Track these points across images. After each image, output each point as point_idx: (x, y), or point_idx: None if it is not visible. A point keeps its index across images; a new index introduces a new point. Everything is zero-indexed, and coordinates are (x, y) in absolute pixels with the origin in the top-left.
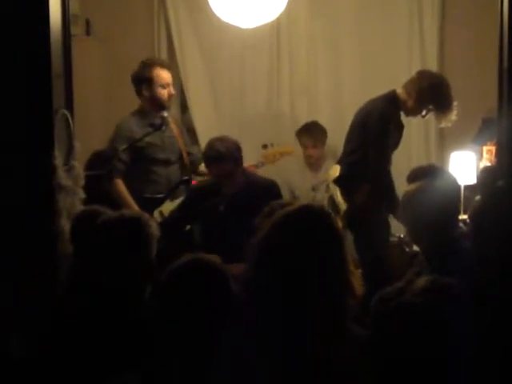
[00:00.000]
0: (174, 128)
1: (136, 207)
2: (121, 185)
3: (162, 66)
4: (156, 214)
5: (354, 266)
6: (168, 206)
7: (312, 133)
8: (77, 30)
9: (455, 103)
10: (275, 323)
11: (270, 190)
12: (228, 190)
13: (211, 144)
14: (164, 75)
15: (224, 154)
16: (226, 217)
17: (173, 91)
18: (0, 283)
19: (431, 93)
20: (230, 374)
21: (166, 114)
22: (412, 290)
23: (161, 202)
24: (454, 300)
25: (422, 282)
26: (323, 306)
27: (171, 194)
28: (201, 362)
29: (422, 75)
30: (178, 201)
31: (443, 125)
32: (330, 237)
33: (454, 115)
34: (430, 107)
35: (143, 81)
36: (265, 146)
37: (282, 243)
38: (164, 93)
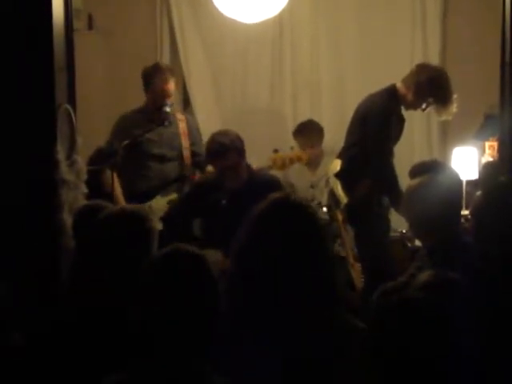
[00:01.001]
0: (181, 126)
1: (122, 200)
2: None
3: (164, 79)
4: (146, 207)
5: (354, 259)
6: (158, 201)
7: (309, 134)
8: (79, 24)
9: (455, 96)
10: (262, 317)
11: (273, 185)
12: (231, 185)
13: (213, 138)
14: (163, 87)
15: (227, 146)
16: (229, 211)
17: (171, 99)
18: (2, 277)
19: (430, 86)
20: (219, 363)
21: (168, 109)
22: (414, 284)
23: (151, 196)
24: (457, 295)
25: (424, 276)
26: (310, 297)
27: (164, 190)
28: (186, 350)
29: (421, 68)
30: (169, 197)
31: (444, 118)
32: (309, 227)
33: (454, 108)
34: (430, 100)
35: (145, 83)
36: (276, 151)
37: (259, 236)
38: (161, 101)
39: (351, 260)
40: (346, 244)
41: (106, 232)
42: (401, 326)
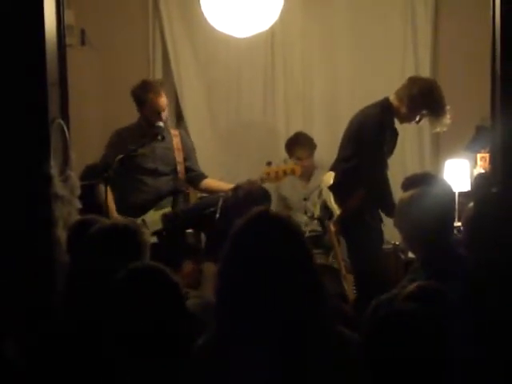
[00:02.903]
0: (174, 141)
1: (114, 212)
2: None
3: (157, 92)
4: (138, 221)
5: (346, 271)
6: (151, 215)
7: (300, 146)
8: (72, 39)
9: (448, 107)
10: (250, 336)
11: (262, 196)
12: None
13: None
14: (158, 102)
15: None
16: (222, 224)
17: (166, 114)
18: None
19: (423, 98)
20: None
21: (161, 124)
22: (400, 296)
23: (145, 210)
24: (444, 305)
25: (410, 288)
26: (299, 311)
27: (157, 204)
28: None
29: (413, 81)
30: (162, 211)
31: (438, 129)
32: (290, 240)
33: (447, 119)
34: (424, 113)
35: (138, 102)
36: (269, 163)
37: (239, 252)
38: (155, 117)
39: (343, 271)
40: (338, 255)
41: (98, 246)
42: (390, 340)
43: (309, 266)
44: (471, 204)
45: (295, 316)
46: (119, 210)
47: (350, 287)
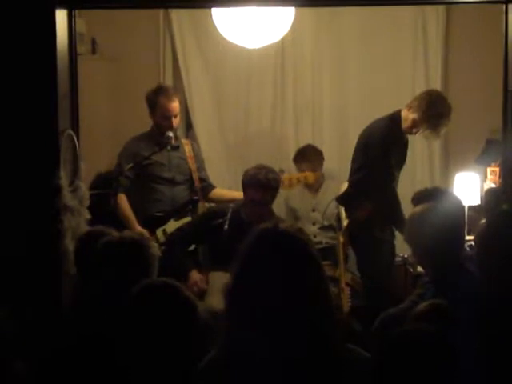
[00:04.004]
0: (187, 150)
1: (136, 224)
2: (123, 200)
3: (168, 97)
4: (159, 232)
5: (344, 284)
6: (172, 225)
7: (309, 158)
8: (83, 48)
9: (447, 120)
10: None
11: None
12: (253, 218)
13: (258, 169)
14: (168, 107)
15: (271, 184)
16: (231, 237)
17: (176, 122)
18: (4, 303)
19: (425, 117)
20: None
21: (171, 134)
22: (411, 315)
23: (165, 220)
24: (454, 326)
25: (422, 306)
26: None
27: (176, 214)
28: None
29: (419, 98)
30: (182, 221)
31: (431, 140)
32: (300, 255)
33: (442, 131)
34: (423, 127)
35: (150, 106)
36: (282, 171)
37: (249, 269)
38: (166, 123)
39: (342, 284)
40: (341, 266)
41: (105, 259)
42: (404, 361)
43: (320, 281)
44: (483, 221)
45: (305, 332)
46: (138, 221)
47: (345, 299)
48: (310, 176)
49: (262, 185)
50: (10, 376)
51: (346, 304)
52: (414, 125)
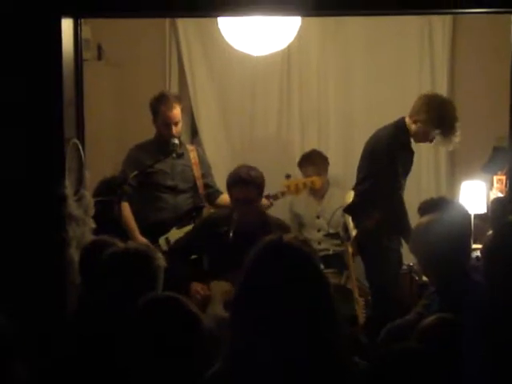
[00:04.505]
0: (192, 156)
1: (137, 234)
2: (126, 209)
3: (169, 104)
4: (162, 240)
5: (358, 294)
6: (175, 234)
7: (314, 162)
8: (88, 54)
9: (458, 124)
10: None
11: (280, 227)
12: (242, 218)
13: (240, 167)
14: (168, 114)
15: (253, 179)
16: (236, 245)
17: (178, 128)
18: (9, 312)
19: (432, 120)
20: None
21: (176, 141)
22: (418, 330)
23: (167, 228)
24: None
25: (429, 320)
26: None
27: (179, 222)
28: None
29: (424, 101)
30: (185, 229)
31: (448, 148)
32: (304, 269)
33: (457, 137)
34: (436, 132)
35: (153, 113)
36: (288, 176)
37: (254, 281)
38: (167, 130)
39: (356, 294)
40: (352, 277)
41: (110, 272)
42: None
43: (323, 293)
44: (490, 232)
45: (308, 344)
46: (140, 228)
47: (360, 310)
48: (317, 180)
49: (244, 182)
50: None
51: (361, 315)
52: (424, 131)
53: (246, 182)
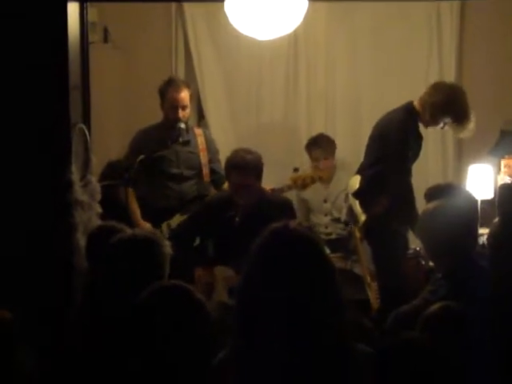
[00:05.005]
0: (199, 142)
1: (139, 219)
2: (130, 194)
3: (176, 88)
4: (164, 226)
5: (370, 279)
6: (177, 220)
7: (322, 145)
8: (94, 37)
9: (472, 113)
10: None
11: (284, 206)
12: (243, 202)
13: (237, 152)
14: (175, 97)
15: (249, 164)
16: (242, 230)
17: (186, 113)
18: (16, 297)
19: (446, 106)
20: None
21: (182, 125)
22: (423, 317)
23: (171, 214)
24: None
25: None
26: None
27: (183, 208)
28: None
29: (436, 89)
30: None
31: (462, 136)
32: (310, 256)
33: (471, 125)
34: (447, 120)
35: (161, 98)
36: (296, 170)
37: (260, 269)
38: (173, 114)
39: (368, 279)
40: (363, 262)
41: (117, 258)
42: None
43: (329, 280)
44: (496, 219)
45: (313, 331)
46: (143, 214)
47: (374, 295)
48: (325, 175)
49: (240, 168)
50: (19, 374)
51: (375, 300)
52: (434, 116)
53: (243, 168)
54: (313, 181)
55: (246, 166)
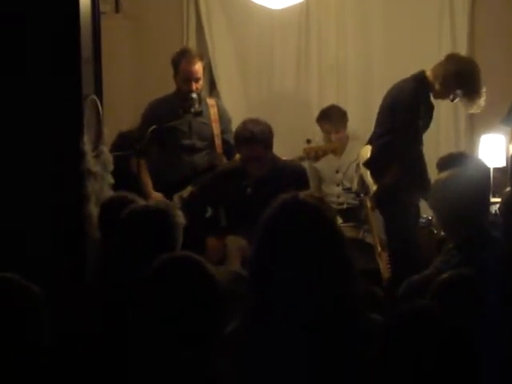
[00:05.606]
0: (212, 112)
1: (151, 190)
2: (142, 165)
3: (190, 59)
4: (176, 198)
5: (381, 248)
6: (189, 191)
7: (333, 119)
8: (106, 7)
9: (484, 89)
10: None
11: (298, 174)
12: (255, 173)
13: (244, 125)
14: (189, 69)
15: (256, 136)
16: (254, 199)
17: (199, 85)
18: (29, 268)
19: (457, 79)
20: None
21: (194, 95)
22: (435, 284)
23: (183, 186)
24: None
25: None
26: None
27: (195, 180)
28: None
29: (450, 60)
30: None
31: (472, 111)
32: (320, 227)
33: (482, 101)
34: (458, 92)
35: (174, 69)
36: (309, 141)
37: (269, 241)
38: (186, 86)
39: (379, 249)
40: (374, 232)
41: (130, 229)
42: (413, 337)
43: (339, 252)
44: (508, 189)
45: (324, 302)
46: (155, 186)
47: (384, 265)
48: (338, 148)
49: (248, 141)
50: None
51: (386, 270)
52: (445, 87)
53: (251, 140)
54: (325, 153)
55: (253, 138)
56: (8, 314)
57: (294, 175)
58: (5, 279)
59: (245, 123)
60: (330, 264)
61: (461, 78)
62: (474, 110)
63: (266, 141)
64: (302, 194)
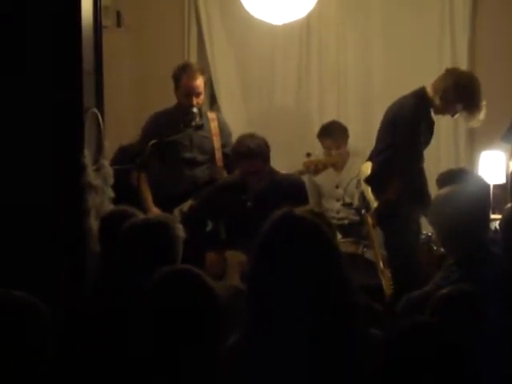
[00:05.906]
0: (212, 126)
1: (151, 205)
2: (142, 179)
3: (191, 74)
4: (176, 211)
5: (383, 265)
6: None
7: (334, 134)
8: (108, 21)
9: (484, 103)
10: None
11: (296, 187)
12: (254, 187)
13: (241, 140)
14: (190, 84)
15: (254, 151)
16: (254, 213)
17: (200, 100)
18: (28, 282)
19: (457, 92)
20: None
21: (195, 109)
22: (434, 299)
23: (183, 199)
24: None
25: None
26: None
27: (196, 194)
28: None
29: (450, 74)
30: None
31: (472, 125)
32: (316, 242)
33: (482, 115)
34: (458, 107)
35: (175, 83)
36: (308, 155)
37: (265, 256)
38: (187, 101)
39: (381, 266)
40: (376, 249)
41: (130, 242)
42: (412, 353)
43: (336, 266)
44: (509, 205)
45: (322, 315)
46: (155, 199)
47: (387, 282)
48: (338, 162)
49: (245, 156)
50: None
51: (388, 287)
52: (446, 103)
53: (248, 156)
54: (325, 167)
55: (251, 154)
56: (13, 333)
57: (291, 188)
58: (11, 296)
59: (241, 139)
60: (327, 278)
61: (461, 90)
62: (474, 123)
63: (264, 154)
64: (299, 209)
